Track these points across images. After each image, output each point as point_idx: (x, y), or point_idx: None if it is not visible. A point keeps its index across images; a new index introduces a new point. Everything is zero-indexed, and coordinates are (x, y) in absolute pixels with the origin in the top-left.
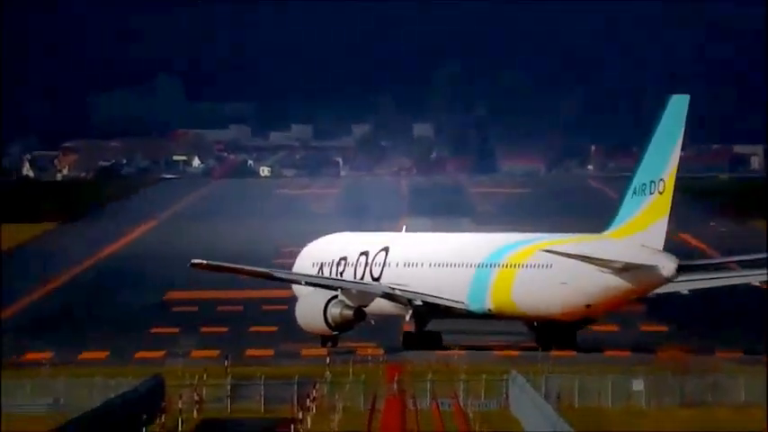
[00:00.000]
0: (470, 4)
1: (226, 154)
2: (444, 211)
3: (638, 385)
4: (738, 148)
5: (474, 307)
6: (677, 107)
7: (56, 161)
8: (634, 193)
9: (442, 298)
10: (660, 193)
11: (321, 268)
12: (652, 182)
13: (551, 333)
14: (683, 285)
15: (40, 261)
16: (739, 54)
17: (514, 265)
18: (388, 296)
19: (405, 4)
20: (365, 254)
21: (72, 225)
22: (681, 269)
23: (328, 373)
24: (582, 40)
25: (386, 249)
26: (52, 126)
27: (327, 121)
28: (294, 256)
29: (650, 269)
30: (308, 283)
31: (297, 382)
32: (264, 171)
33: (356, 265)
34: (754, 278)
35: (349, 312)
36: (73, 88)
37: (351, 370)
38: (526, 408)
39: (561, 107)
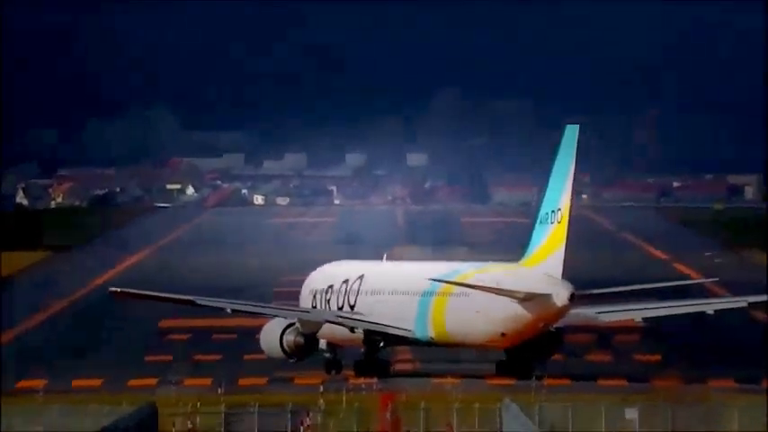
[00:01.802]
0: (465, 33)
1: (220, 182)
2: (439, 240)
3: (631, 414)
4: (732, 179)
5: (419, 335)
6: (569, 137)
7: (50, 189)
8: (540, 222)
9: (386, 326)
10: (558, 222)
11: (315, 296)
12: (552, 211)
13: (512, 362)
14: (637, 314)
15: (34, 289)
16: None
17: (446, 294)
18: (335, 323)
19: (399, 33)
20: (346, 282)
21: (66, 254)
22: (579, 298)
23: (322, 401)
24: (576, 70)
25: (361, 277)
26: (49, 154)
27: (321, 150)
28: (292, 284)
29: (547, 298)
30: (233, 311)
31: (290, 410)
32: (258, 200)
33: (338, 292)
34: (709, 307)
35: (301, 339)
36: (69, 117)
37: (344, 398)
38: None
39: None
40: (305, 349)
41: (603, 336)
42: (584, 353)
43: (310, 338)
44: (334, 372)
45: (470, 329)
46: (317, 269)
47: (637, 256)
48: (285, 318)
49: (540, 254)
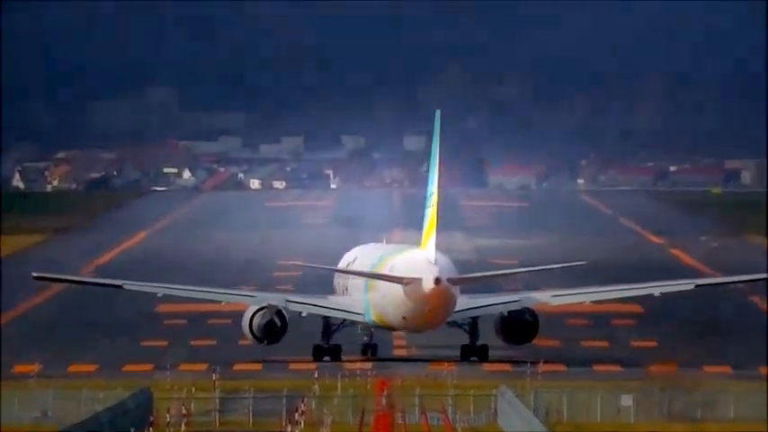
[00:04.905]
0: (464, 17)
1: (216, 166)
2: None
3: (626, 400)
4: (729, 163)
5: (366, 319)
6: (436, 121)
7: (46, 172)
8: (426, 206)
9: (338, 310)
10: (432, 206)
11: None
12: (429, 195)
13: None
14: (588, 297)
15: (29, 273)
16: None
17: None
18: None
19: (397, 15)
20: (350, 264)
21: (62, 236)
22: (452, 282)
23: (316, 386)
24: (574, 51)
25: (354, 260)
26: (47, 135)
27: (318, 133)
28: (286, 269)
29: (418, 282)
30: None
31: (285, 396)
32: (255, 183)
33: (342, 276)
34: (657, 290)
35: (264, 322)
36: (66, 97)
37: (339, 384)
38: (515, 422)
39: (552, 120)
40: (273, 332)
41: (599, 321)
42: (579, 339)
43: (271, 323)
44: (370, 353)
45: (385, 314)
46: (351, 250)
47: (633, 240)
48: (222, 302)
49: (424, 238)
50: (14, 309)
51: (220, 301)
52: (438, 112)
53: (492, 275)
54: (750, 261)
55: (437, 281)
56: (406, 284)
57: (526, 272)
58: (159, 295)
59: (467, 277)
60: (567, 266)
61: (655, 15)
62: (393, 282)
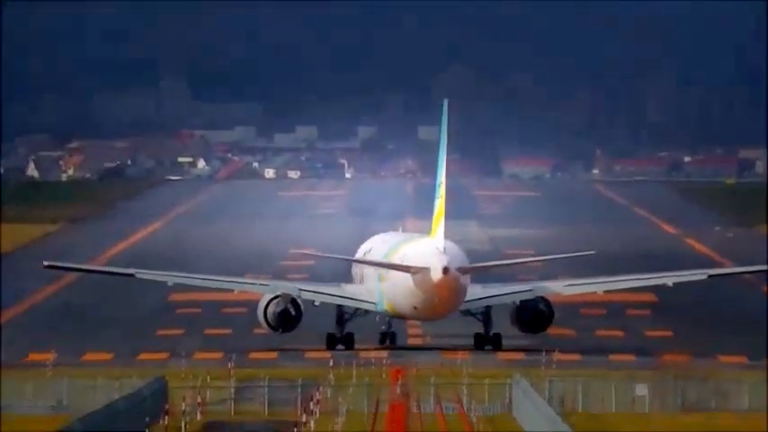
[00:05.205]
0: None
1: (230, 155)
2: (450, 213)
3: (641, 390)
4: (744, 153)
5: (379, 308)
6: (443, 112)
7: (61, 162)
8: (435, 196)
9: (351, 299)
10: (440, 196)
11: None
12: (438, 185)
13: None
14: (599, 287)
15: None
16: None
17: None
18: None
19: (413, 4)
20: (366, 254)
21: (77, 225)
22: (461, 271)
23: (331, 375)
24: (587, 42)
25: (370, 250)
26: (60, 125)
27: (333, 122)
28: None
29: (426, 271)
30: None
31: (300, 384)
32: (269, 173)
33: (360, 265)
34: (669, 279)
35: (279, 310)
36: (79, 87)
37: (354, 373)
38: (529, 412)
39: (567, 110)
40: (287, 321)
41: (614, 311)
42: (594, 328)
43: (286, 311)
44: (388, 341)
45: (396, 303)
46: (370, 239)
47: (647, 230)
48: (233, 291)
49: (433, 227)
50: (25, 299)
51: (233, 290)
52: (446, 102)
53: (500, 264)
54: (764, 251)
55: (445, 270)
56: (414, 273)
57: (536, 261)
58: (170, 284)
59: (475, 266)
60: (576, 256)
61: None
62: (402, 271)
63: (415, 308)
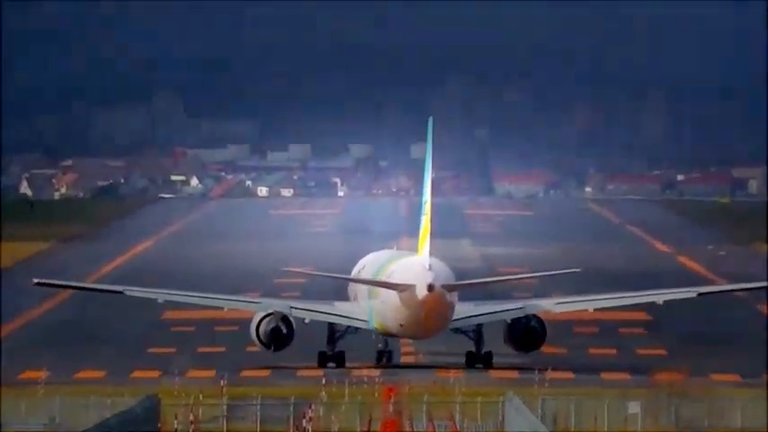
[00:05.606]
0: (471, 26)
1: (224, 174)
2: (443, 232)
3: (634, 408)
4: (737, 172)
5: (370, 326)
6: (428, 129)
7: (54, 180)
8: (420, 213)
9: (342, 317)
10: (426, 214)
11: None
12: (424, 203)
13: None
14: (590, 305)
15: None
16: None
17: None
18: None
19: (404, 23)
20: (360, 272)
21: (70, 243)
22: (447, 288)
23: (324, 393)
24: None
25: (363, 268)
26: (53, 144)
27: (325, 141)
28: (290, 275)
29: (412, 289)
30: (166, 301)
31: (293, 402)
32: (262, 191)
33: (354, 283)
34: (659, 297)
35: (270, 328)
36: (73, 106)
37: (347, 391)
38: (522, 430)
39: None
40: (279, 339)
41: (607, 329)
42: (587, 346)
43: (278, 329)
44: (385, 360)
45: (384, 321)
46: (365, 257)
47: (640, 248)
48: (223, 308)
49: (419, 245)
50: (18, 317)
51: (223, 308)
52: (431, 120)
53: (486, 282)
54: (757, 270)
55: (430, 287)
56: (401, 291)
57: (521, 279)
58: (160, 301)
59: (460, 283)
60: (561, 273)
61: (660, 18)
62: (389, 288)
63: (401, 325)
